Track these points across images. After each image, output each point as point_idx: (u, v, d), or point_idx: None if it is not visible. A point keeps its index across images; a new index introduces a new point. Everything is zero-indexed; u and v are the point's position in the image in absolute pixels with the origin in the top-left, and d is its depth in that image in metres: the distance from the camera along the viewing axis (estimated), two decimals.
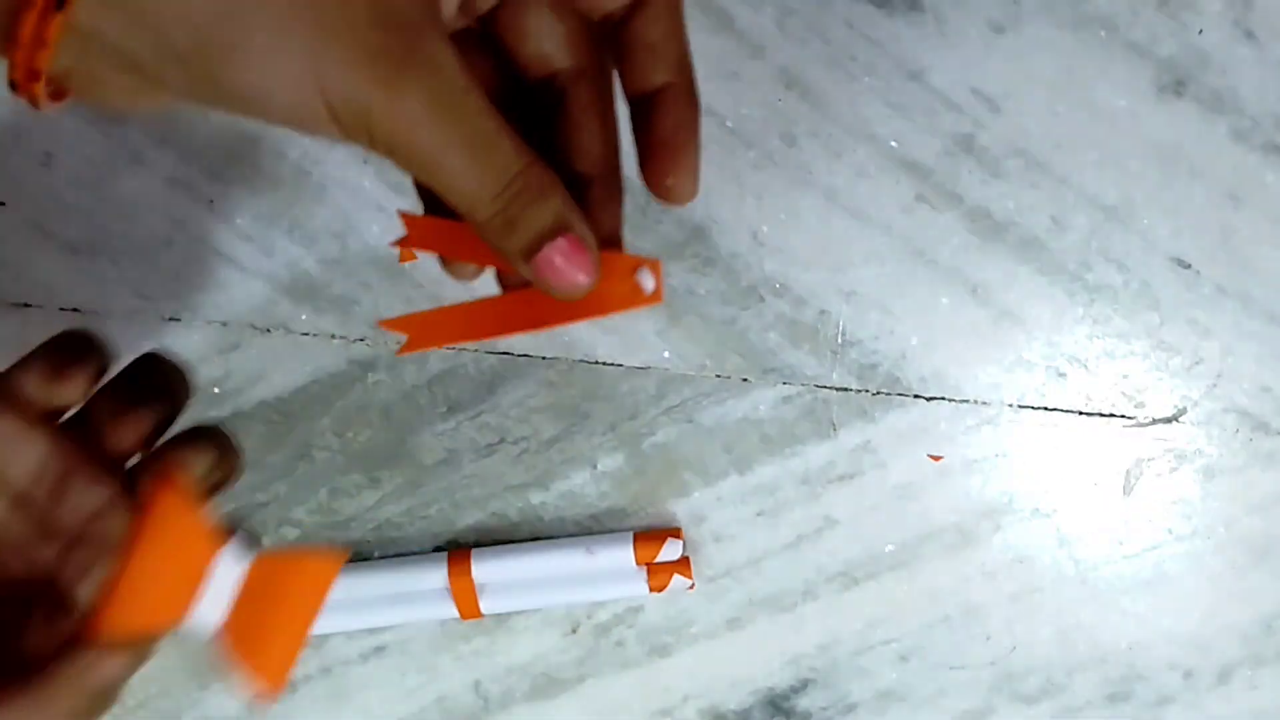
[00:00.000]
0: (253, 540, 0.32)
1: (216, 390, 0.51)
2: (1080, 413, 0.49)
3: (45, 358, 0.32)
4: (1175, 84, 0.46)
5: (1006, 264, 0.48)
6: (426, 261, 0.50)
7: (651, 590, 0.50)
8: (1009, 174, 0.48)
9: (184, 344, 0.51)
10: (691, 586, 0.50)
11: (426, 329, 0.29)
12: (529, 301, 0.28)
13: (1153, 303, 0.48)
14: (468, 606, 0.50)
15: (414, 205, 0.30)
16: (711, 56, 0.48)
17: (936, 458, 0.50)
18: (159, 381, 0.34)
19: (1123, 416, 0.49)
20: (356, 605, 0.51)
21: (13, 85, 0.24)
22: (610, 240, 0.29)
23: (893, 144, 0.48)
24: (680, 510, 0.51)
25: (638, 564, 0.50)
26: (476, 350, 0.50)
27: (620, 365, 0.50)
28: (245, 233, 0.50)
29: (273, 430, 0.51)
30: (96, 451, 0.32)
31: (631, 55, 0.28)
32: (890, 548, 0.51)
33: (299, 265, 0.50)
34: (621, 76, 0.29)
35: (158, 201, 0.50)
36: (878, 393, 0.50)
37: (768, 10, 0.47)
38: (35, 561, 0.31)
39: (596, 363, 0.50)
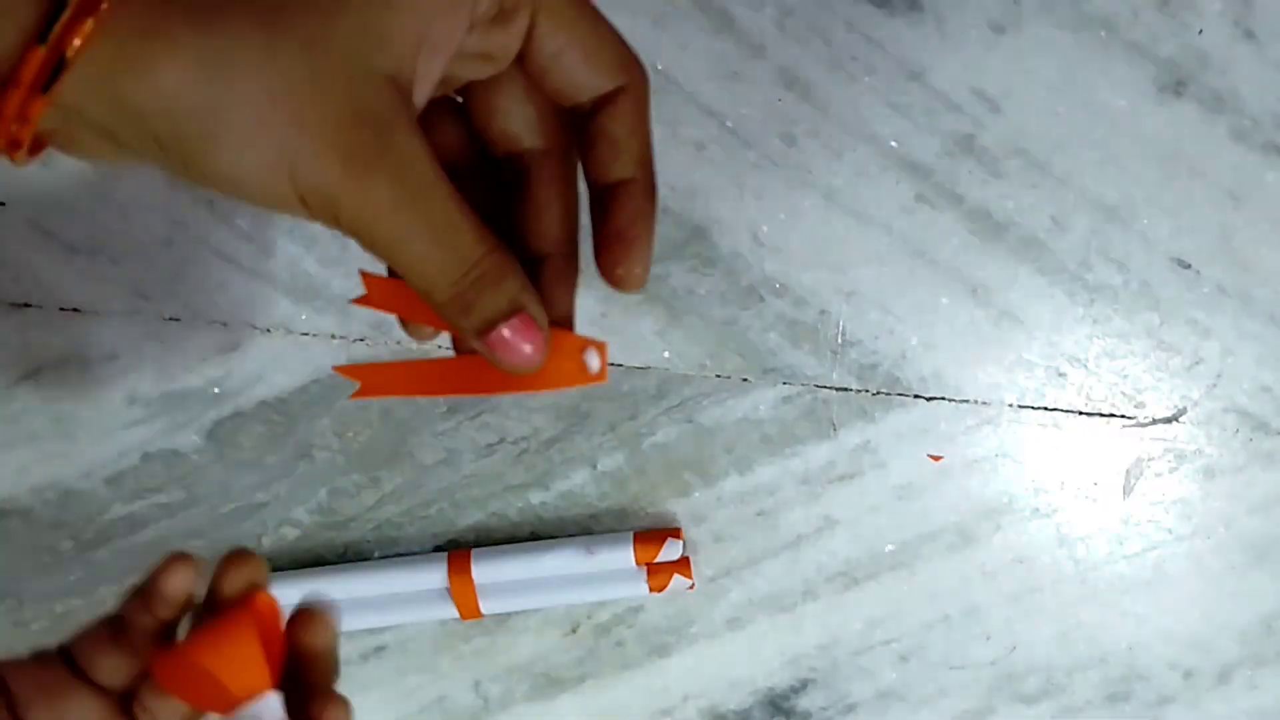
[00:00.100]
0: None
1: (216, 390, 0.51)
2: (1080, 413, 0.49)
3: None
4: (1175, 84, 0.46)
5: (1006, 264, 0.48)
6: None
7: (651, 590, 0.50)
8: (1009, 174, 0.48)
9: (184, 344, 0.51)
10: (691, 586, 0.50)
11: (378, 379, 0.30)
12: (478, 367, 0.29)
13: (1153, 303, 0.48)
14: (468, 606, 0.50)
15: (376, 264, 0.30)
16: (711, 56, 0.48)
17: (936, 458, 0.50)
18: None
19: (1123, 416, 0.49)
20: (356, 605, 0.51)
21: None
22: (562, 320, 0.30)
23: (893, 144, 0.48)
24: (680, 510, 0.51)
25: (638, 564, 0.50)
26: None
27: (620, 365, 0.50)
28: (245, 233, 0.50)
29: (273, 430, 0.51)
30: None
31: (596, 146, 0.29)
32: (890, 548, 0.51)
33: (299, 265, 0.50)
34: (584, 164, 0.30)
35: (158, 201, 0.50)
36: (878, 393, 0.50)
37: (768, 10, 0.47)
38: None
39: None
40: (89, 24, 0.23)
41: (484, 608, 0.51)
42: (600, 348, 0.29)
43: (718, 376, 0.50)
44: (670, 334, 0.50)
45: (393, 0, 0.25)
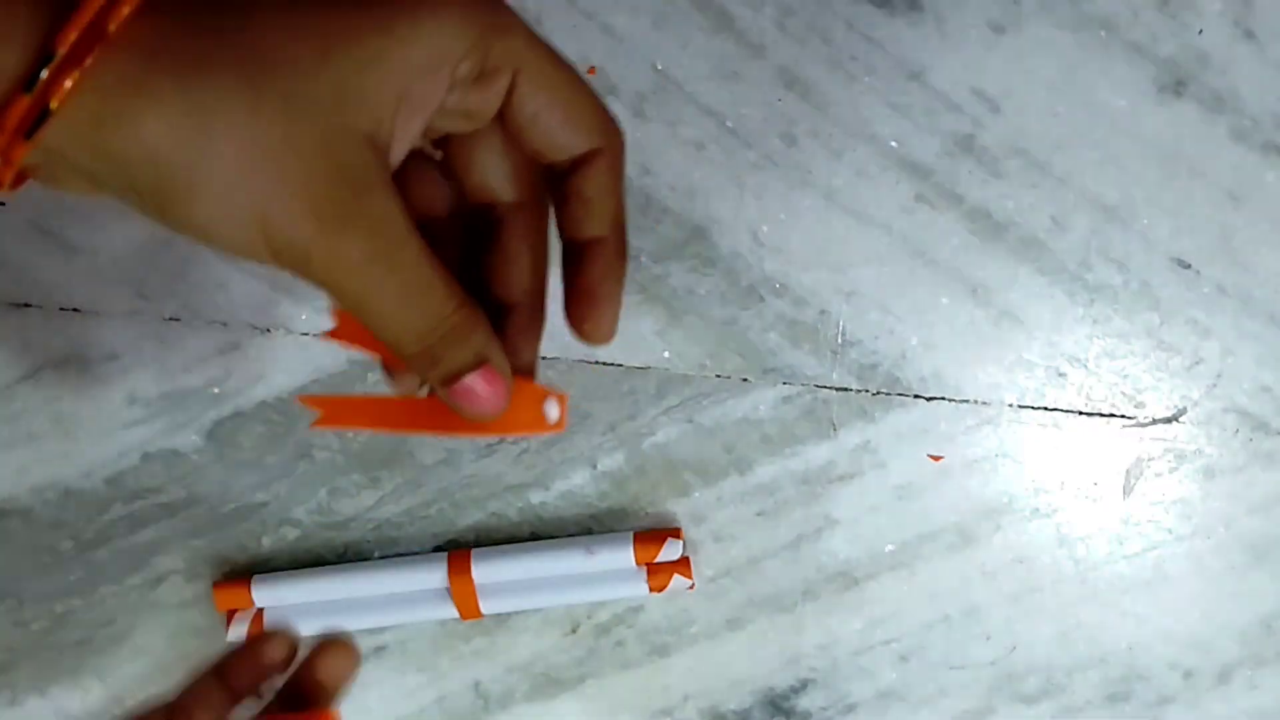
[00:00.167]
0: None
1: (216, 390, 0.51)
2: (1080, 413, 0.49)
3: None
4: (1175, 84, 0.46)
5: (1006, 264, 0.48)
6: None
7: (651, 590, 0.50)
8: (1009, 174, 0.48)
9: (184, 344, 0.51)
10: (691, 586, 0.50)
11: (340, 411, 0.31)
12: (439, 408, 0.30)
13: (1153, 303, 0.48)
14: (468, 606, 0.50)
15: None
16: (711, 56, 0.48)
17: (936, 458, 0.50)
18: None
19: (1123, 416, 0.49)
20: (356, 605, 0.51)
21: None
22: (525, 369, 0.30)
23: (893, 144, 0.48)
24: (680, 510, 0.51)
25: (638, 564, 0.50)
26: None
27: (620, 365, 0.50)
28: None
29: (273, 430, 0.51)
30: None
31: (570, 204, 0.30)
32: (890, 548, 0.51)
33: None
34: (558, 220, 0.31)
35: None
36: (878, 393, 0.50)
37: (768, 10, 0.47)
38: None
39: (596, 363, 0.50)
40: (75, 75, 0.23)
41: (484, 608, 0.51)
42: (560, 399, 0.30)
43: (718, 376, 0.50)
44: (670, 334, 0.50)
45: (373, 59, 0.25)
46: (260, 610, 0.52)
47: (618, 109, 0.48)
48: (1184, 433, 0.49)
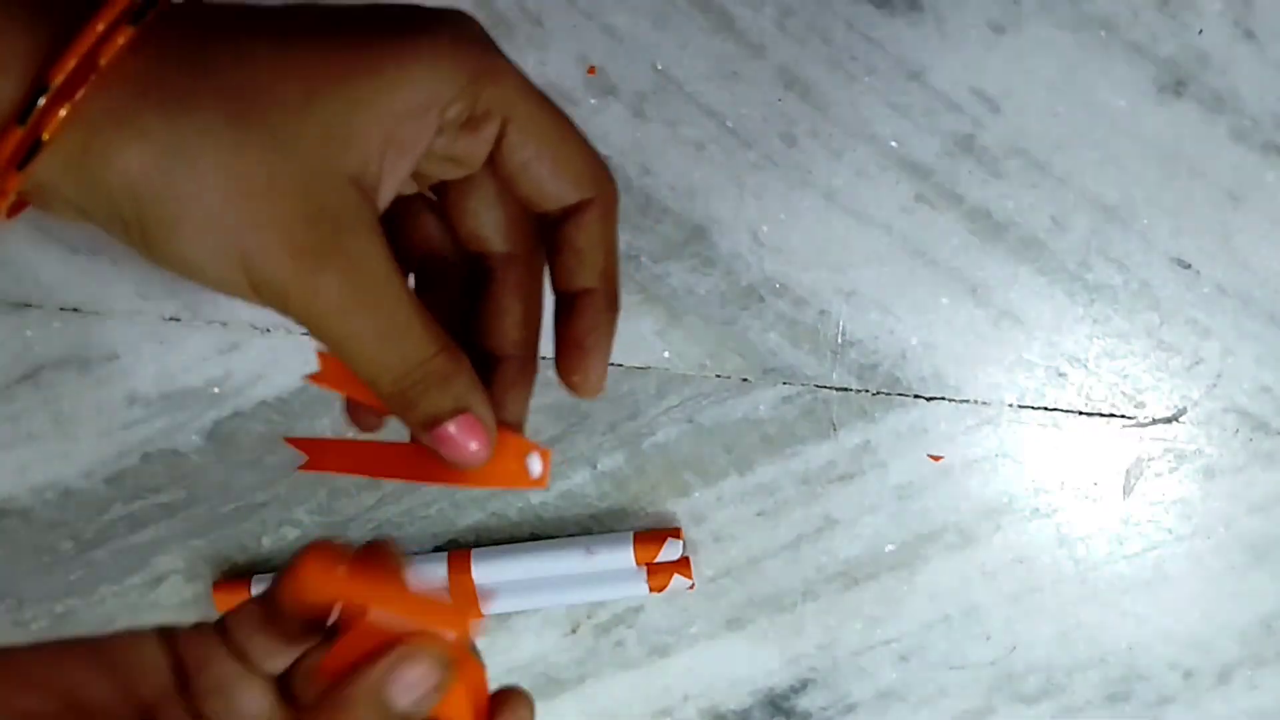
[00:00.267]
0: None
1: (216, 390, 0.51)
2: (1080, 413, 0.49)
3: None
4: (1175, 84, 0.46)
5: (1006, 264, 0.48)
6: None
7: (651, 590, 0.50)
8: (1009, 174, 0.48)
9: (184, 344, 0.51)
10: (691, 586, 0.50)
11: (325, 454, 0.31)
12: (423, 456, 0.29)
13: (1153, 303, 0.48)
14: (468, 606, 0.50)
15: None
16: (711, 56, 0.48)
17: (936, 458, 0.50)
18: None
19: (1123, 416, 0.49)
20: None
21: None
22: (512, 424, 0.30)
23: (893, 144, 0.48)
24: (680, 510, 0.51)
25: (638, 564, 0.50)
26: None
27: (620, 365, 0.50)
28: None
29: (273, 430, 0.51)
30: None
31: (561, 254, 0.30)
32: (890, 548, 0.51)
33: None
34: (550, 270, 0.30)
35: None
36: (878, 393, 0.50)
37: (768, 10, 0.47)
38: None
39: None
40: (65, 109, 0.24)
41: (484, 608, 0.51)
42: (544, 454, 0.30)
43: (718, 376, 0.50)
44: (670, 334, 0.50)
45: (360, 101, 0.25)
46: None
47: (618, 109, 0.48)
48: (1184, 433, 0.49)
